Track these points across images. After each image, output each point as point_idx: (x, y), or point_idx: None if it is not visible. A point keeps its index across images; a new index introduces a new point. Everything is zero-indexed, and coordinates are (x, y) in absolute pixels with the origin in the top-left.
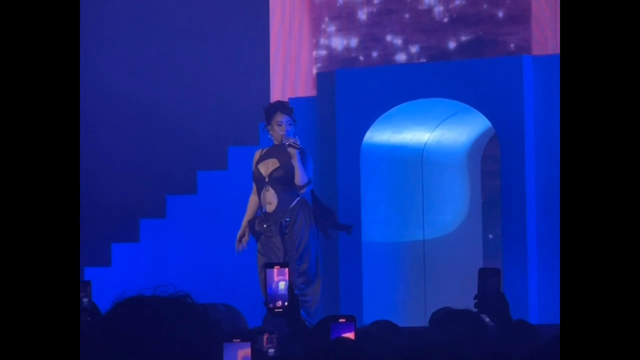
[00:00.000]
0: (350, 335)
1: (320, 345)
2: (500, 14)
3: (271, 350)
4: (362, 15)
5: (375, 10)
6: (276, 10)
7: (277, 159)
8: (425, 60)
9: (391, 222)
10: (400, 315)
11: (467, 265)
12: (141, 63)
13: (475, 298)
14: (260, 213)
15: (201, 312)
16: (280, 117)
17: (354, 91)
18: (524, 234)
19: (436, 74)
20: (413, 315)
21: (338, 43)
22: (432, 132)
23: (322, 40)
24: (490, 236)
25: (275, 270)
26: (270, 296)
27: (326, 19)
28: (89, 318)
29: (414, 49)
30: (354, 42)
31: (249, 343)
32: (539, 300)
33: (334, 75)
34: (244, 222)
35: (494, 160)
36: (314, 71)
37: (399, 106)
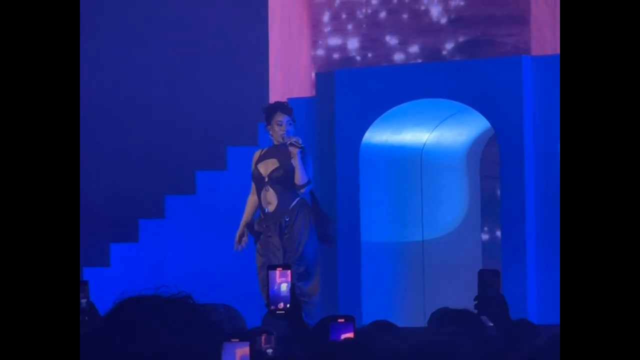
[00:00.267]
0: (350, 335)
1: (320, 345)
2: (499, 15)
3: (270, 350)
4: (361, 15)
5: (374, 10)
6: (275, 11)
7: (277, 159)
8: (424, 61)
9: (390, 223)
10: (399, 316)
11: (466, 266)
12: (140, 63)
13: (475, 299)
14: (260, 213)
15: (202, 313)
16: (281, 117)
17: (353, 91)
18: (523, 235)
19: (435, 75)
20: (412, 315)
21: (337, 44)
22: (431, 133)
23: (321, 41)
24: (485, 232)
25: (278, 272)
26: (272, 298)
27: (325, 20)
28: (86, 318)
29: (412, 49)
30: (353, 42)
31: (247, 343)
32: (537, 301)
33: (333, 76)
34: (243, 222)
35: (493, 165)
36: (313, 71)
37: (398, 106)
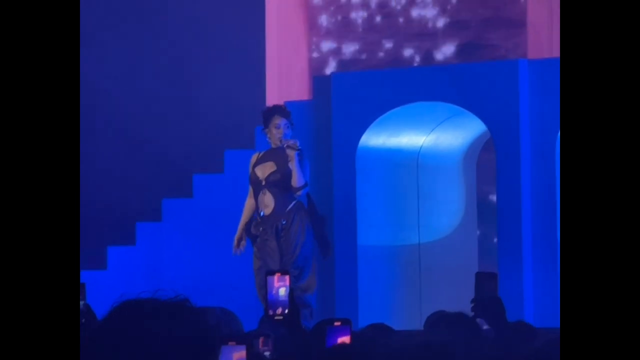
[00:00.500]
0: (346, 338)
1: (317, 349)
2: (496, 18)
3: (267, 353)
4: (358, 19)
5: (370, 14)
6: (272, 15)
7: (274, 162)
8: (420, 64)
9: (387, 226)
10: (395, 319)
11: (462, 269)
12: (137, 66)
13: (472, 302)
14: (257, 216)
15: (200, 316)
16: (278, 120)
17: (350, 95)
18: (519, 237)
19: (432, 78)
20: (408, 318)
21: (334, 47)
22: (428, 136)
23: (318, 44)
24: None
25: (276, 277)
26: (271, 302)
27: (322, 24)
28: (83, 320)
29: (409, 52)
30: (349, 46)
31: (244, 346)
32: (534, 304)
33: (330, 79)
34: (241, 226)
35: (489, 171)
36: (310, 75)
37: (394, 110)
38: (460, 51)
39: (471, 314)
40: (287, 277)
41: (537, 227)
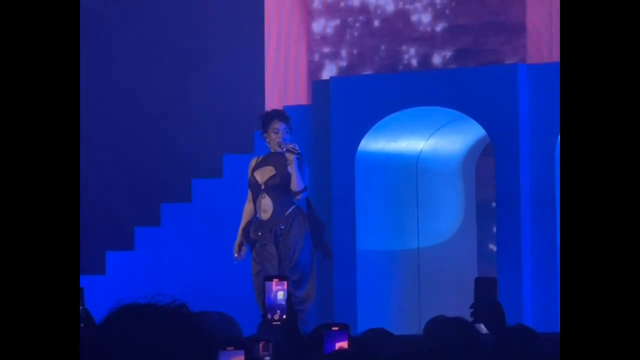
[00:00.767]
0: (344, 343)
1: (315, 355)
2: (495, 23)
3: (267, 358)
4: (357, 23)
5: (369, 19)
6: (271, 20)
7: (273, 166)
8: (420, 69)
9: (386, 230)
10: (394, 324)
11: (461, 274)
12: (136, 71)
13: (471, 307)
14: (255, 220)
15: (197, 322)
16: (277, 125)
17: (349, 99)
18: (519, 242)
19: (431, 82)
20: (407, 323)
21: (333, 52)
22: (427, 141)
23: (317, 49)
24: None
25: (274, 282)
26: (269, 306)
27: (321, 28)
28: (82, 325)
29: (408, 57)
30: (348, 50)
31: (242, 351)
32: (533, 309)
33: (329, 84)
34: (240, 231)
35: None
36: (309, 79)
37: (393, 114)
38: (459, 56)
39: (470, 319)
40: (285, 282)
41: (536, 232)
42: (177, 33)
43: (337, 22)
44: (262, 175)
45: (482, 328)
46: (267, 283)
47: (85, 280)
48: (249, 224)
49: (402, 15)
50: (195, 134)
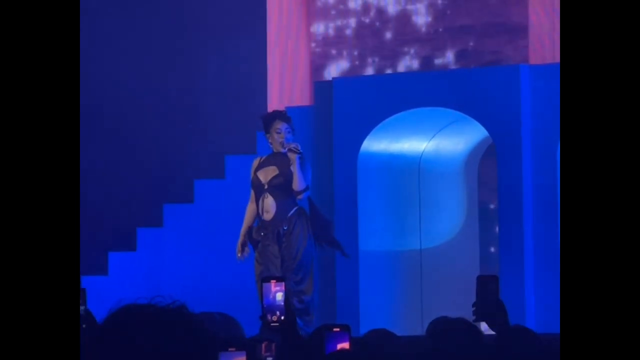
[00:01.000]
0: (345, 344)
1: (316, 355)
2: (497, 23)
3: (270, 359)
4: (359, 24)
5: (371, 19)
6: (273, 19)
7: (276, 166)
8: (422, 70)
9: (388, 231)
10: (397, 324)
11: (464, 274)
12: (137, 71)
13: (473, 305)
14: (258, 221)
15: (197, 322)
16: (279, 125)
17: (351, 100)
18: (521, 243)
19: (433, 83)
20: (410, 324)
21: (335, 52)
22: (429, 141)
23: (319, 49)
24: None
25: (273, 283)
26: (268, 307)
27: (323, 29)
28: (84, 325)
29: (410, 58)
30: (350, 51)
31: (244, 352)
32: (536, 310)
33: (331, 84)
34: (243, 231)
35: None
36: (311, 80)
37: (396, 115)
38: (462, 56)
39: (473, 317)
40: (283, 284)
41: (538, 232)
42: (179, 34)
43: (339, 22)
44: (266, 175)
45: (485, 326)
46: (264, 284)
47: (87, 281)
48: (252, 224)
49: (403, 16)
50: (197, 134)
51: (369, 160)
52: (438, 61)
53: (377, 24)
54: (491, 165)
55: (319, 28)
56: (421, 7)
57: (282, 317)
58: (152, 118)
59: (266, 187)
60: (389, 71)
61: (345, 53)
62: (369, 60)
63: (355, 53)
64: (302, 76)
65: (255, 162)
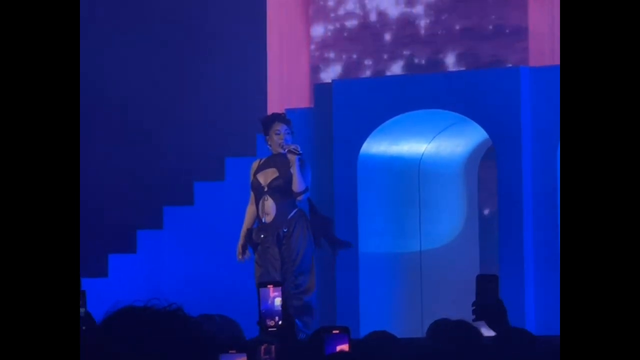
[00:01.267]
0: (345, 346)
1: (316, 358)
2: (498, 25)
3: None
4: (359, 27)
5: (371, 22)
6: (273, 22)
7: (276, 168)
8: (422, 72)
9: (388, 233)
10: (397, 326)
11: (463, 276)
12: (137, 73)
13: (473, 305)
14: (258, 223)
15: (194, 325)
16: (279, 127)
17: (351, 102)
18: (521, 244)
19: (433, 85)
20: (410, 326)
21: (334, 55)
22: (429, 143)
23: (319, 52)
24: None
25: (270, 288)
26: (266, 312)
27: (323, 31)
28: (84, 327)
29: (410, 60)
30: (349, 53)
31: (244, 354)
32: (536, 312)
33: (331, 87)
34: (243, 233)
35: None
36: (311, 82)
37: (395, 117)
38: (462, 58)
39: (472, 317)
40: (280, 288)
41: (538, 234)
42: (179, 36)
43: (339, 25)
44: (265, 177)
45: (485, 327)
46: (262, 289)
47: (87, 283)
48: (252, 226)
49: (403, 18)
50: (197, 137)
51: (369, 163)
52: (438, 63)
53: (377, 26)
54: (486, 170)
55: (318, 30)
56: (421, 10)
57: (280, 322)
58: (152, 120)
59: (266, 189)
60: (388, 73)
61: (344, 55)
62: (369, 62)
63: (355, 55)
64: (301, 78)
65: (255, 164)
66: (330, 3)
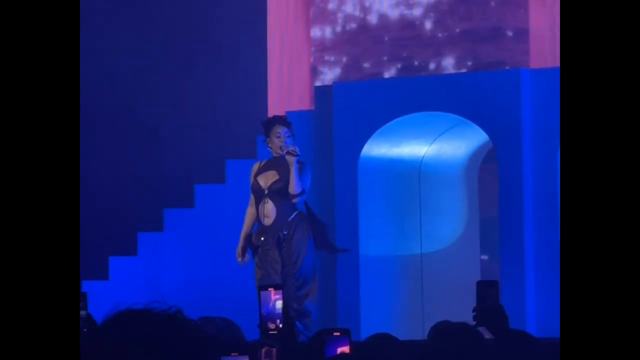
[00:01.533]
0: (345, 348)
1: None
2: (498, 27)
3: None
4: (359, 29)
5: (372, 24)
6: (274, 25)
7: (277, 171)
8: (422, 74)
9: (389, 236)
10: (397, 329)
11: (464, 279)
12: (138, 76)
13: (474, 310)
14: (258, 226)
15: (194, 328)
16: (279, 129)
17: (352, 104)
18: (522, 247)
19: (434, 88)
20: (411, 328)
21: (335, 57)
22: (430, 146)
23: (319, 54)
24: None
25: (272, 291)
26: (267, 315)
27: (323, 34)
28: (85, 330)
29: (410, 62)
30: (351, 55)
31: (246, 356)
32: (536, 314)
33: (331, 89)
34: (242, 235)
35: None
36: (312, 84)
37: (396, 120)
38: (462, 60)
39: (473, 322)
40: (281, 291)
41: (539, 236)
42: (180, 38)
43: (339, 27)
44: (266, 180)
45: (486, 332)
46: (263, 292)
47: (88, 286)
48: (252, 228)
49: (404, 20)
50: (198, 139)
51: (369, 165)
52: (438, 65)
53: (377, 28)
54: (484, 175)
55: (319, 33)
56: (421, 12)
57: (281, 325)
58: (153, 123)
59: (266, 192)
60: (388, 76)
61: (345, 58)
62: (369, 64)
63: (356, 58)
64: (302, 81)
65: (255, 167)
66: (331, 5)
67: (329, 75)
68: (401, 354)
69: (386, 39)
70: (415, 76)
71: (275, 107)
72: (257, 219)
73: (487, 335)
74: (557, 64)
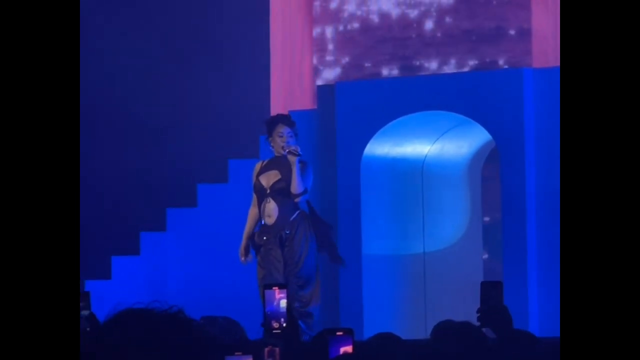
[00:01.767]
0: (348, 348)
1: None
2: (500, 27)
3: None
4: (361, 28)
5: (375, 24)
6: (277, 24)
7: (279, 170)
8: (424, 73)
9: (391, 235)
10: (400, 328)
11: (467, 278)
12: (141, 75)
13: (477, 311)
14: (260, 225)
15: (194, 327)
16: (282, 129)
17: (354, 104)
18: (524, 246)
19: (436, 87)
20: (413, 327)
21: (338, 56)
22: (433, 145)
23: (322, 53)
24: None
25: (276, 290)
26: (271, 314)
27: (326, 33)
28: (88, 329)
29: (412, 62)
30: (353, 55)
31: (250, 356)
32: (539, 314)
33: (334, 88)
34: (245, 235)
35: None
36: (314, 84)
37: (399, 119)
38: (465, 60)
39: (477, 323)
40: (285, 290)
41: (542, 236)
42: (181, 38)
43: (342, 27)
44: (268, 179)
45: (490, 332)
46: (267, 291)
47: (90, 285)
48: (254, 228)
49: (406, 20)
50: (200, 138)
51: (372, 164)
52: (440, 65)
53: (379, 28)
54: (490, 171)
55: (321, 32)
56: (423, 11)
57: (285, 324)
58: (155, 122)
59: (268, 191)
60: (391, 75)
61: (347, 57)
62: (371, 64)
63: (358, 57)
64: (305, 80)
65: (257, 166)
66: (333, 5)
67: (331, 75)
68: (404, 353)
69: (388, 38)
70: (418, 75)
71: (278, 106)
72: (260, 219)
73: (491, 336)
74: (559, 63)
